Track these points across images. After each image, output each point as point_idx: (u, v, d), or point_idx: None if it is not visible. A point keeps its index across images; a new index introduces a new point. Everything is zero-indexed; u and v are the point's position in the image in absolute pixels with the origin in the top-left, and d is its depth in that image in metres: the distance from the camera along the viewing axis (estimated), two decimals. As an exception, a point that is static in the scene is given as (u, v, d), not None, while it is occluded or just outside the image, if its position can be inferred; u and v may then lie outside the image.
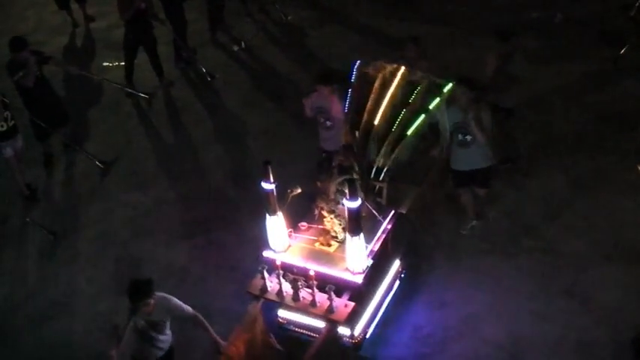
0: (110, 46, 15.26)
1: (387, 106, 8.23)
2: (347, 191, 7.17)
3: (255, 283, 7.99)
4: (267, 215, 7.92)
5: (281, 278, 7.71)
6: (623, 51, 13.01)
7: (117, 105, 13.39)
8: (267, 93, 13.42)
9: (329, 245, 8.05)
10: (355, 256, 7.57)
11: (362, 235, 7.42)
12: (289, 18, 15.81)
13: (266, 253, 8.05)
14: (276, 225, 7.93)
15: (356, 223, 7.33)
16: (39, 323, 9.27)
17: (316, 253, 7.97)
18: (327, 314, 7.56)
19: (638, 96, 12.27)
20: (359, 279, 7.64)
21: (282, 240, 8.04)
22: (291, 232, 8.17)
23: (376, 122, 8.19)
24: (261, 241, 9.87)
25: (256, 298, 7.98)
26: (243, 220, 10.40)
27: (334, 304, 7.51)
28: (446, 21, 15.14)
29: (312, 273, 7.49)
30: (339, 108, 9.45)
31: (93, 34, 15.95)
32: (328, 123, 9.76)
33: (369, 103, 8.29)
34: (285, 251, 8.03)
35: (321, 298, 7.59)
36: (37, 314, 9.40)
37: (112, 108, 13.37)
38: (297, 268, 7.83)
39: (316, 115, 9.85)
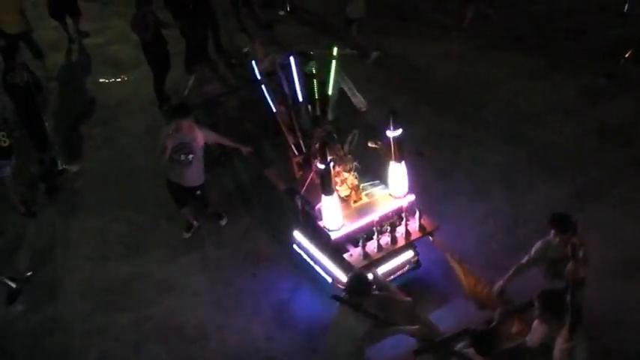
0: (107, 63, 15.30)
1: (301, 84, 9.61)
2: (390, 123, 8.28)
3: (354, 260, 8.40)
4: (324, 196, 8.28)
5: (377, 235, 8.46)
6: (617, 65, 13.12)
7: (111, 121, 13.37)
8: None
9: (361, 199, 8.89)
10: (402, 180, 8.71)
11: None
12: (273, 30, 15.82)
13: (334, 235, 8.50)
14: (333, 204, 8.33)
15: (400, 151, 8.44)
16: (35, 339, 9.21)
17: (363, 208, 8.79)
18: (423, 233, 8.61)
19: (633, 110, 12.33)
20: (412, 197, 8.79)
21: (339, 217, 8.48)
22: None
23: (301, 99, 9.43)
24: (255, 256, 10.01)
25: (367, 267, 8.28)
26: (238, 237, 10.41)
27: (422, 222, 8.64)
28: (442, 39, 15.24)
29: (404, 205, 8.64)
30: (201, 137, 9.63)
31: (89, 50, 15.93)
32: (190, 157, 9.50)
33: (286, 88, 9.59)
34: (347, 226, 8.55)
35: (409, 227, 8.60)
36: (34, 330, 9.34)
37: (106, 124, 13.34)
38: (365, 225, 8.53)
39: (173, 155, 9.46)
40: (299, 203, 9.27)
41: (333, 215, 8.45)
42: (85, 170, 12.06)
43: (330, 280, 9.05)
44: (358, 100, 11.72)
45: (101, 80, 14.76)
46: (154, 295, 9.65)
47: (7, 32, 13.50)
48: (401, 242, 8.61)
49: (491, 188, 10.87)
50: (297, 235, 9.49)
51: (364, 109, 11.65)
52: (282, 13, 16.77)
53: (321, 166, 8.06)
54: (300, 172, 9.56)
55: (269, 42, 14.46)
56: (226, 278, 9.77)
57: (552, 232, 7.67)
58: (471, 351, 6.72)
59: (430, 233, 8.75)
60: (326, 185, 8.20)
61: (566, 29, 15.11)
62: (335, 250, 8.73)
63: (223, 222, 10.60)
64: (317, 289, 9.31)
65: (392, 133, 8.37)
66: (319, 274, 9.19)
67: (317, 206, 8.86)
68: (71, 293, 9.85)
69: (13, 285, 9.80)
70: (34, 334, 9.28)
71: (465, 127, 12.33)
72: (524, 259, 8.08)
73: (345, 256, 8.49)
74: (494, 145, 11.84)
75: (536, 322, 7.11)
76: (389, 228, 8.51)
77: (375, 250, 8.46)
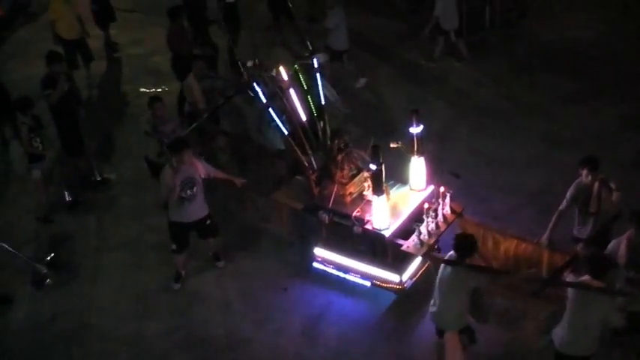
0: (148, 72, 15.41)
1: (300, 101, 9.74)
2: (414, 119, 9.10)
3: (412, 249, 8.89)
4: (376, 196, 8.81)
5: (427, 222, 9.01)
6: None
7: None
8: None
9: (389, 199, 9.24)
10: (422, 174, 9.54)
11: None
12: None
13: (387, 232, 8.98)
14: (382, 203, 8.86)
15: (420, 146, 9.27)
16: (65, 343, 9.33)
17: (396, 205, 9.36)
18: (456, 215, 9.36)
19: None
20: (432, 186, 9.57)
21: (387, 215, 9.00)
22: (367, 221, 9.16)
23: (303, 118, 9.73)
24: (287, 271, 10.03)
25: (430, 253, 8.95)
26: (271, 251, 10.41)
27: (452, 206, 9.40)
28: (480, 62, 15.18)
29: (443, 191, 9.25)
30: (201, 168, 9.52)
31: (131, 60, 16.14)
32: (195, 189, 9.36)
33: (288, 105, 9.76)
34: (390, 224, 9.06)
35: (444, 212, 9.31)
36: (64, 334, 9.47)
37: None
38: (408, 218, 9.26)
39: (179, 193, 9.26)
40: (325, 217, 9.38)
41: (384, 214, 8.94)
42: (122, 178, 12.22)
43: (368, 284, 9.30)
44: (340, 105, 12.12)
45: (142, 89, 14.88)
46: (184, 305, 9.72)
47: (64, 37, 13.98)
48: (442, 226, 9.17)
49: (525, 212, 10.75)
50: (320, 251, 9.62)
51: (347, 111, 12.34)
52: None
53: (374, 168, 8.62)
54: (318, 188, 9.64)
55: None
56: (257, 291, 9.80)
57: (584, 172, 8.55)
58: (586, 278, 7.27)
59: (460, 214, 9.40)
60: (378, 186, 8.75)
61: (604, 55, 14.95)
62: (383, 248, 9.10)
63: (221, 264, 10.29)
64: (347, 307, 9.39)
65: (415, 130, 9.14)
66: (353, 283, 9.44)
67: (353, 214, 9.17)
68: (102, 299, 9.97)
69: (44, 270, 10.09)
70: (63, 338, 9.40)
71: (501, 149, 12.26)
72: (562, 205, 8.89)
73: (403, 248, 8.90)
74: (530, 168, 11.73)
75: (614, 243, 7.92)
76: (434, 214, 9.04)
77: (427, 236, 8.94)
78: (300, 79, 9.90)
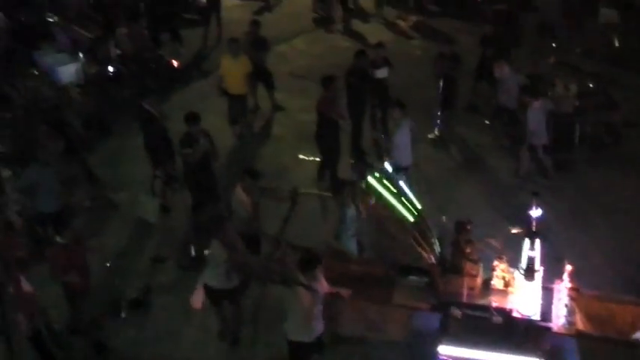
0: (310, 140, 14.96)
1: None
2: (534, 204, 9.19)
3: (561, 329, 9.18)
4: (528, 282, 9.13)
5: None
6: None
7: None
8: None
9: (512, 285, 9.64)
10: (537, 255, 9.28)
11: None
12: None
13: (535, 317, 9.22)
14: (534, 289, 9.23)
15: (538, 230, 9.22)
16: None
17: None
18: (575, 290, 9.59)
19: None
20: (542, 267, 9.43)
21: (537, 301, 9.35)
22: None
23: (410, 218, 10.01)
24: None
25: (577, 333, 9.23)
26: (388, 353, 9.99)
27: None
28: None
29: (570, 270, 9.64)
30: (324, 283, 9.13)
31: (296, 125, 16.11)
32: (320, 307, 8.87)
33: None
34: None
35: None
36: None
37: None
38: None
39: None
40: (458, 313, 9.16)
41: (535, 300, 9.24)
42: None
43: None
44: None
45: (300, 156, 14.52)
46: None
47: (230, 92, 15.06)
48: (571, 304, 9.43)
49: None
50: (446, 349, 9.07)
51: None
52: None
53: (531, 254, 8.98)
54: (443, 284, 9.68)
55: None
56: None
57: None
58: None
59: (578, 290, 9.60)
60: (530, 272, 9.04)
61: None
62: (520, 334, 9.02)
63: None
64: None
65: (534, 213, 9.10)
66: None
67: (493, 304, 9.29)
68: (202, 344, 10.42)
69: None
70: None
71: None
72: None
73: (556, 331, 9.15)
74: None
75: None
76: (567, 291, 9.41)
77: (569, 316, 9.27)
78: (386, 186, 10.21)
